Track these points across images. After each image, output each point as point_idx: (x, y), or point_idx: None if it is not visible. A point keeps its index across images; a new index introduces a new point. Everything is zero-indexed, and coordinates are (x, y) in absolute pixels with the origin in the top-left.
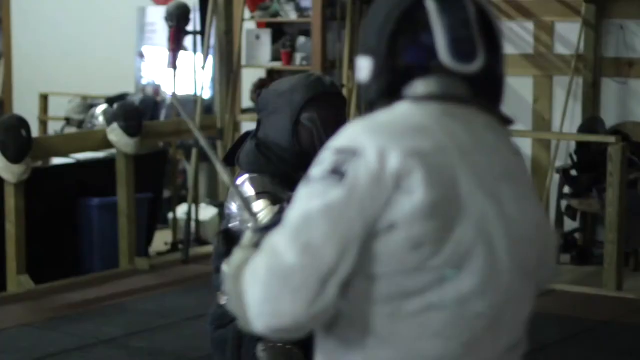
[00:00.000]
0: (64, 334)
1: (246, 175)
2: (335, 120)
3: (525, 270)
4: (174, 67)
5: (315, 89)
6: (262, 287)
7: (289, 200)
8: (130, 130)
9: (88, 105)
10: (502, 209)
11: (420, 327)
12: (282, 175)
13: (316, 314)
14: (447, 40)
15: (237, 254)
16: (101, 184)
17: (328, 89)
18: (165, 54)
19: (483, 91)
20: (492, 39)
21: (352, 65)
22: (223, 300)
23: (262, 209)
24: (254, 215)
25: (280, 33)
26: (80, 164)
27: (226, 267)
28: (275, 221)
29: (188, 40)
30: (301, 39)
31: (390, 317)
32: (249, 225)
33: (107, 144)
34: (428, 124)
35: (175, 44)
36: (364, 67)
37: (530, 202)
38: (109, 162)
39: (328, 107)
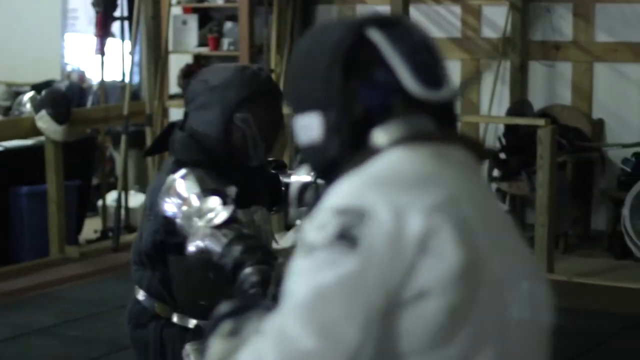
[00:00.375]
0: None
1: (183, 171)
2: (271, 120)
3: (538, 324)
4: (102, 53)
5: (250, 87)
6: None
7: (233, 195)
8: (58, 117)
9: (13, 92)
10: (509, 261)
11: None
12: (215, 168)
13: None
14: (409, 67)
15: (215, 346)
16: (30, 172)
17: (264, 86)
18: (89, 40)
19: (448, 124)
20: (442, 66)
21: (279, 50)
22: (141, 296)
23: (214, 207)
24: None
25: (207, 18)
26: (8, 152)
27: (210, 354)
28: (251, 302)
29: (115, 26)
30: (228, 24)
31: None
32: (198, 222)
33: (36, 132)
34: (432, 172)
35: (103, 29)
36: (312, 125)
37: (521, 244)
38: (38, 150)
39: (264, 108)
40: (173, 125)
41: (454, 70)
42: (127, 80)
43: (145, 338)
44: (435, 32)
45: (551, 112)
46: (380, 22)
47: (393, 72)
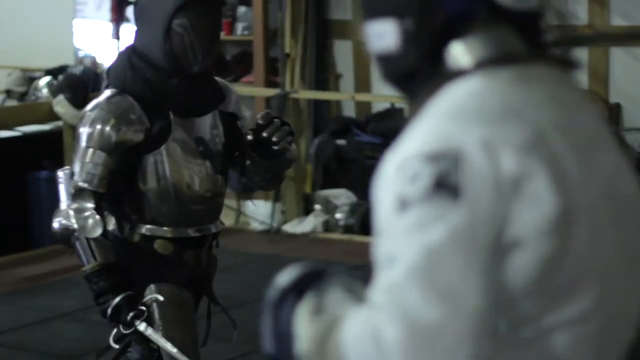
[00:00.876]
0: (21, 307)
1: (105, 94)
2: (207, 26)
3: (636, 257)
4: (117, 38)
5: None
6: (404, 354)
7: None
8: (76, 101)
9: (28, 77)
10: (608, 190)
11: (540, 354)
12: (152, 86)
13: None
14: None
15: (305, 329)
16: (48, 157)
17: None
18: (98, 25)
19: (535, 38)
20: None
21: (294, 34)
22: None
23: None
24: None
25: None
26: (26, 137)
27: (302, 343)
28: (316, 268)
29: (130, 11)
30: (241, 9)
31: (507, 346)
32: None
33: (53, 116)
34: (518, 104)
35: (118, 14)
36: (387, 32)
37: (624, 167)
38: (56, 134)
39: (200, 14)
40: (125, 47)
41: None
42: None
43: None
44: None
45: None
46: None
47: None
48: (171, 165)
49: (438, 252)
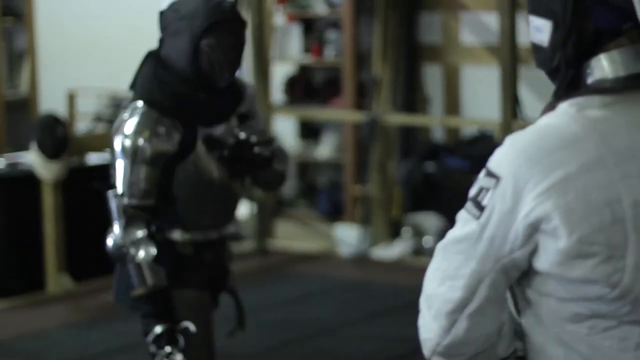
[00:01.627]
0: (107, 333)
1: (134, 106)
2: (233, 45)
3: None
4: None
5: (214, 15)
6: (420, 314)
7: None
8: None
9: (117, 102)
10: None
11: (621, 340)
12: (179, 99)
13: (450, 344)
14: None
15: None
16: None
17: (227, 15)
18: None
19: None
20: None
21: (384, 58)
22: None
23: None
24: None
25: (311, 27)
26: None
27: None
28: None
29: None
30: (331, 33)
31: (588, 335)
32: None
33: None
34: (582, 133)
35: None
36: (543, 29)
37: None
38: None
39: (226, 34)
40: (149, 54)
41: None
42: None
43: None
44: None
45: None
46: None
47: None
48: (197, 170)
49: (450, 245)
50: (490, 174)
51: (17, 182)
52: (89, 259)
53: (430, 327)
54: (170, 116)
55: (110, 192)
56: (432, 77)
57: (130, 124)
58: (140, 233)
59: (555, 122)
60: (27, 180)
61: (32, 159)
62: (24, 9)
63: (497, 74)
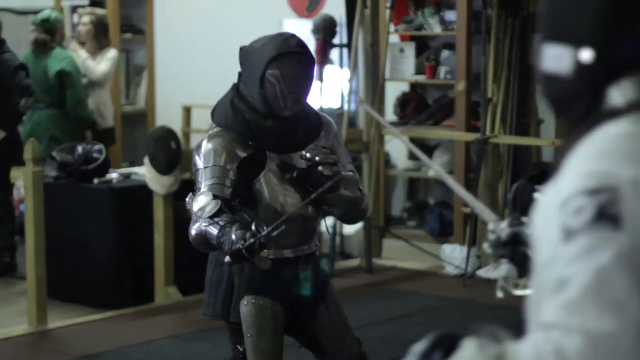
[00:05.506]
0: (214, 345)
1: (211, 132)
2: (297, 75)
3: None
4: (321, 79)
5: (280, 48)
6: None
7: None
8: None
9: None
10: None
11: None
12: (249, 125)
13: None
14: None
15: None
16: None
17: (293, 47)
18: None
19: None
20: None
21: (496, 79)
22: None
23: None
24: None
25: (424, 46)
26: None
27: None
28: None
29: (334, 53)
30: (445, 52)
31: None
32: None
33: None
34: None
35: (322, 56)
36: (563, 57)
37: None
38: None
39: (291, 65)
40: (232, 86)
41: None
42: (345, 107)
43: (221, 277)
44: None
45: None
46: None
47: None
48: (269, 193)
49: (607, 272)
50: (598, 191)
51: (129, 194)
52: (196, 272)
53: None
54: (242, 139)
55: (187, 198)
56: (541, 100)
57: (207, 142)
58: (209, 206)
59: (628, 134)
60: (140, 193)
61: (145, 172)
62: (144, 25)
63: None
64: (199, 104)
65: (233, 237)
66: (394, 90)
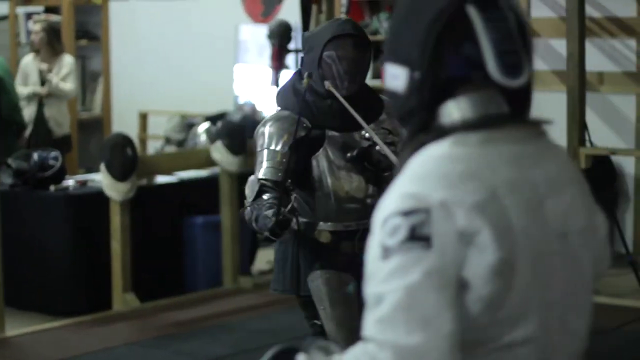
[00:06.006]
0: (172, 352)
1: (272, 114)
2: (352, 57)
3: (581, 280)
4: (277, 85)
5: (335, 31)
6: None
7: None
8: (233, 148)
9: (187, 123)
10: (548, 232)
11: None
12: (310, 106)
13: None
14: (494, 53)
15: None
16: (205, 203)
17: (347, 31)
18: (259, 71)
19: (520, 105)
20: (529, 51)
21: None
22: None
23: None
24: None
25: (380, 51)
26: (183, 183)
27: None
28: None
29: (290, 58)
30: None
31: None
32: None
33: (211, 162)
34: (474, 169)
35: (278, 62)
36: (399, 76)
37: (576, 201)
38: (213, 181)
39: (345, 47)
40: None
41: (629, 104)
42: None
43: (286, 254)
44: (610, 66)
45: None
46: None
47: (480, 51)
48: (329, 171)
49: (417, 290)
50: (412, 212)
51: (86, 201)
52: (154, 278)
53: None
54: (301, 121)
55: (250, 178)
56: None
57: (266, 124)
58: (266, 196)
59: (441, 157)
60: (96, 200)
61: (101, 179)
62: (99, 31)
63: (566, 100)
64: (155, 110)
65: (265, 213)
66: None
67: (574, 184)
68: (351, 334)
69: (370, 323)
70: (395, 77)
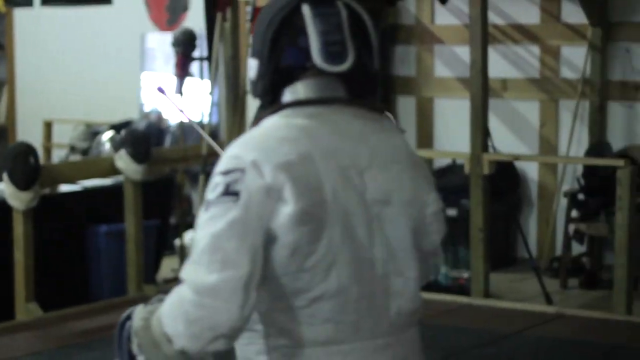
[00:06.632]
0: None
1: None
2: None
3: (401, 245)
4: (180, 93)
5: None
6: (195, 308)
7: None
8: (137, 156)
9: (92, 132)
10: (365, 198)
11: (311, 317)
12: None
13: (247, 315)
14: (319, 43)
15: (138, 312)
16: (109, 211)
17: None
18: (166, 79)
19: (357, 86)
20: (365, 39)
21: None
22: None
23: None
24: None
25: None
26: (87, 191)
27: (134, 323)
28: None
29: (194, 67)
30: None
31: (284, 311)
32: None
33: (115, 171)
34: (293, 135)
35: (182, 70)
36: (253, 67)
37: (401, 176)
38: (117, 189)
39: None
40: None
41: (532, 111)
42: (205, 120)
43: None
44: (513, 72)
45: (631, 153)
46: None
47: (309, 42)
48: None
49: (220, 237)
50: (229, 171)
51: None
52: (58, 288)
53: (220, 313)
54: None
55: None
56: (406, 108)
57: None
58: None
59: (268, 127)
60: None
61: (3, 188)
62: (3, 39)
63: (469, 106)
64: (60, 119)
65: None
66: (256, 103)
67: (402, 163)
68: None
69: (185, 266)
70: (250, 68)
